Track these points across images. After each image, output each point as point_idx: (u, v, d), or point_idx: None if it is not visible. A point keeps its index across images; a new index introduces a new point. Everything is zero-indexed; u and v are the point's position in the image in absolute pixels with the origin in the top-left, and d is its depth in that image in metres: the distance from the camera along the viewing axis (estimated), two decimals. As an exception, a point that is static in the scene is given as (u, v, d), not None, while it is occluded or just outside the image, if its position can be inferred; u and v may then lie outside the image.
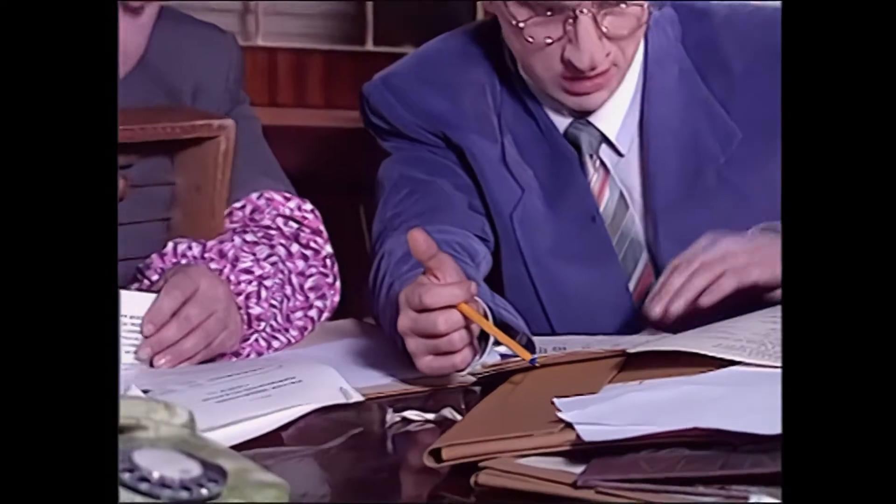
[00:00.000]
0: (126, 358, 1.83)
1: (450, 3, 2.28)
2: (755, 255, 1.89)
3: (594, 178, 2.10)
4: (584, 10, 1.93)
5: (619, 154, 2.09)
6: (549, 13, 1.94)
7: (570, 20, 1.94)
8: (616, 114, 2.08)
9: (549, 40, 1.97)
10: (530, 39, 1.98)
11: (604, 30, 1.95)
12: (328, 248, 2.11)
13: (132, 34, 1.97)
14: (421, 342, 1.78)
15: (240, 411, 1.69)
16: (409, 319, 1.77)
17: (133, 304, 1.87)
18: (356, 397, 1.78)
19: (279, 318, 2.01)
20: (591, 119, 2.07)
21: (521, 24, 1.97)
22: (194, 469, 1.35)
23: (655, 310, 1.88)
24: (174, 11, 2.09)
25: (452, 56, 2.17)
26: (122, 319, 1.84)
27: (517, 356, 1.81)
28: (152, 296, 1.88)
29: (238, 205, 2.09)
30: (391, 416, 1.74)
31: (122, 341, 1.84)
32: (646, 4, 1.98)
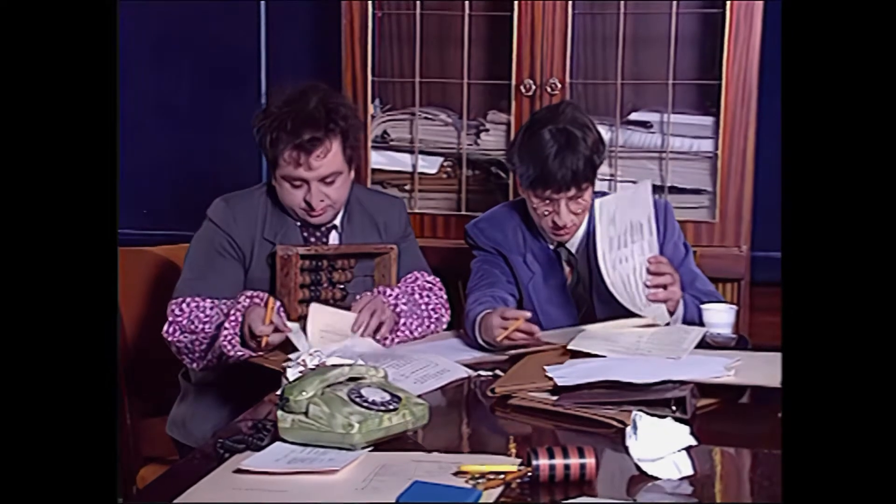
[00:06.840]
0: (329, 348, 1.72)
1: (494, 196, 2.24)
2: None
3: (567, 270, 2.04)
4: (562, 200, 1.91)
5: (577, 260, 2.03)
6: (546, 201, 1.92)
7: (557, 203, 1.92)
8: (577, 243, 2.02)
9: (547, 212, 1.94)
10: (536, 209, 1.95)
11: (571, 209, 1.93)
12: (444, 296, 2.06)
13: (344, 188, 1.93)
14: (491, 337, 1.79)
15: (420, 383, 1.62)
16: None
17: (329, 316, 1.81)
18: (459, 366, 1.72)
19: (417, 321, 1.93)
20: (567, 245, 2.02)
21: (534, 204, 1.94)
22: (387, 396, 1.37)
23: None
24: (376, 190, 2.07)
25: (505, 214, 2.09)
26: (325, 329, 1.80)
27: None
28: (336, 310, 1.83)
29: (404, 278, 2.05)
30: (473, 373, 1.72)
31: (328, 340, 1.76)
32: (589, 197, 1.94)
